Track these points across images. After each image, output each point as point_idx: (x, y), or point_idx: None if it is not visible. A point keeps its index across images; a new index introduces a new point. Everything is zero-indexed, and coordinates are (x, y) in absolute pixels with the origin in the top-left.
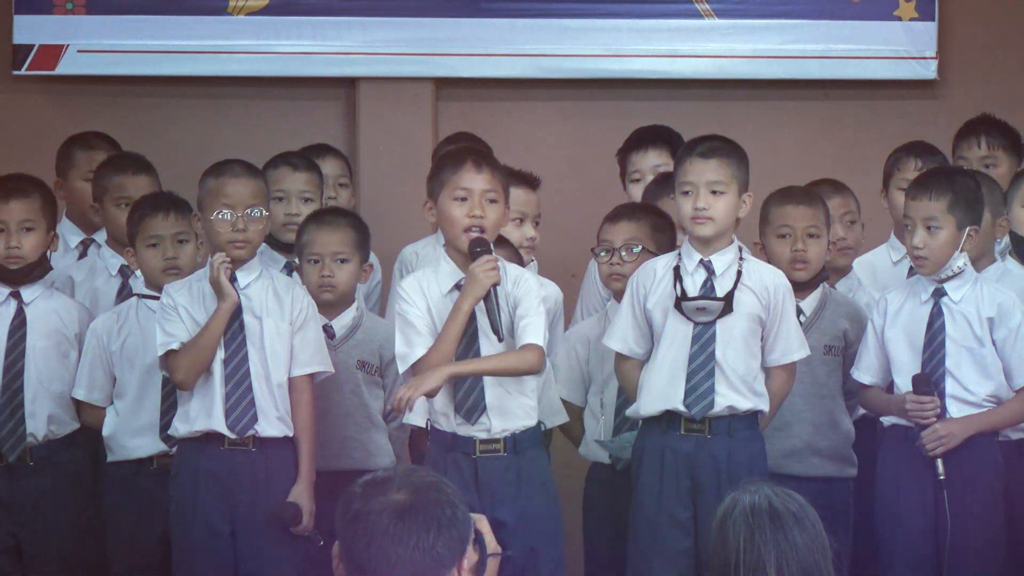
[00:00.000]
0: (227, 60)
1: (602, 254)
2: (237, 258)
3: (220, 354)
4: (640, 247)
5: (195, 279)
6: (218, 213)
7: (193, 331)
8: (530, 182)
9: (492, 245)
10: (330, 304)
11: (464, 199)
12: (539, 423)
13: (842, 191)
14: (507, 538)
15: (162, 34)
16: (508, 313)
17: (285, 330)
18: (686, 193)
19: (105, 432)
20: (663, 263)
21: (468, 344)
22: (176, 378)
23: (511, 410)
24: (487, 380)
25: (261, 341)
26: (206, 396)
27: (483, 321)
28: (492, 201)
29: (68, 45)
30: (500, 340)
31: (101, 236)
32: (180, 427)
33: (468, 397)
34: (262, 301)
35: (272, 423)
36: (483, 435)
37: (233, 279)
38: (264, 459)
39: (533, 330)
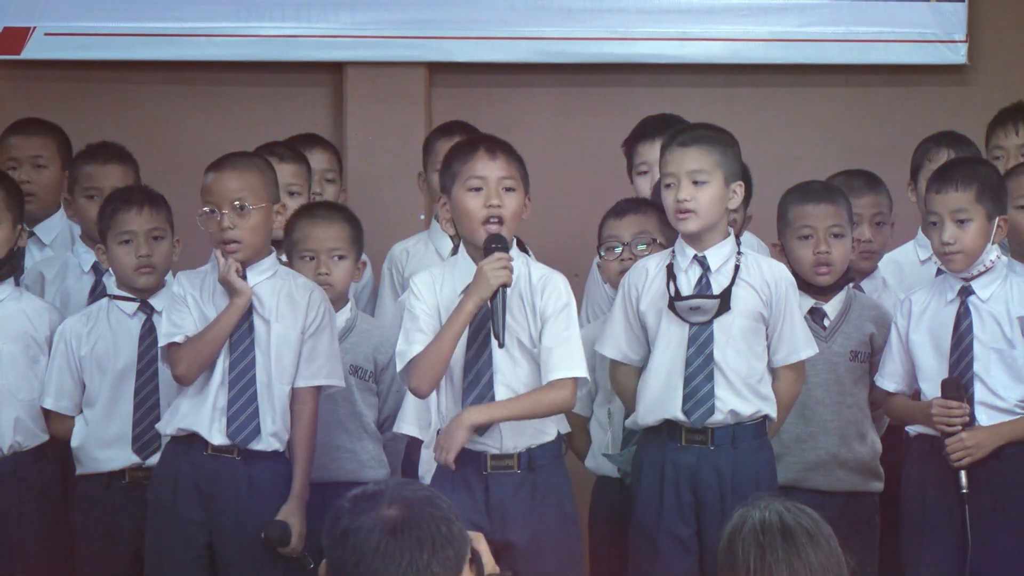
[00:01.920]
0: (206, 43)
1: (613, 250)
2: (233, 256)
3: (224, 356)
4: (651, 240)
5: (209, 270)
6: (205, 213)
7: (200, 325)
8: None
9: (511, 242)
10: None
11: (479, 189)
12: (559, 435)
13: (875, 188)
14: (518, 562)
15: (136, 15)
16: (529, 322)
17: (295, 337)
18: (668, 186)
19: (74, 443)
20: (655, 261)
21: (478, 350)
22: (177, 371)
23: (525, 425)
24: (499, 390)
25: (268, 346)
26: (199, 396)
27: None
28: (509, 189)
29: (35, 27)
30: (501, 346)
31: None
32: (167, 424)
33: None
34: (273, 304)
35: (264, 437)
36: (495, 450)
37: (243, 277)
38: (248, 469)
39: (563, 359)
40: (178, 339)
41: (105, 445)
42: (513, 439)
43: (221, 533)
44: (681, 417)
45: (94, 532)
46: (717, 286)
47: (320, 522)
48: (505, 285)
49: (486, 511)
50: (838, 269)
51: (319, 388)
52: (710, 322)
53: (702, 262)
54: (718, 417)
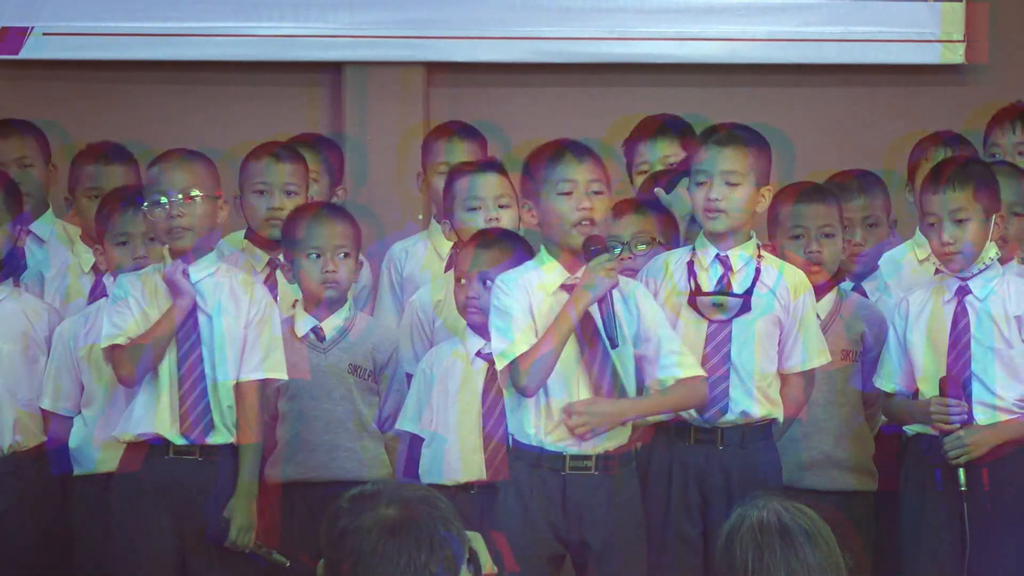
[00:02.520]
0: (204, 43)
1: (612, 250)
2: (176, 248)
3: (171, 355)
4: (651, 240)
5: (149, 271)
6: (152, 204)
7: (143, 325)
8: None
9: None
10: (332, 301)
11: (570, 193)
12: (632, 442)
13: (869, 190)
14: (591, 563)
15: (134, 15)
16: (619, 326)
17: (238, 331)
18: (700, 183)
19: (71, 443)
20: (676, 257)
21: (592, 352)
22: (121, 373)
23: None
24: (582, 391)
25: (211, 341)
26: (151, 397)
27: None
28: (597, 192)
29: (33, 27)
30: (615, 347)
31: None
32: (124, 429)
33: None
34: (215, 298)
35: (220, 431)
36: (574, 450)
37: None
38: (212, 468)
39: (685, 359)
40: (120, 341)
41: (103, 446)
42: (592, 440)
43: (190, 537)
44: (693, 414)
45: (92, 532)
46: (738, 286)
47: (319, 522)
48: (614, 286)
49: (563, 512)
50: (829, 268)
51: (262, 382)
52: (729, 321)
53: (724, 261)
54: (730, 417)
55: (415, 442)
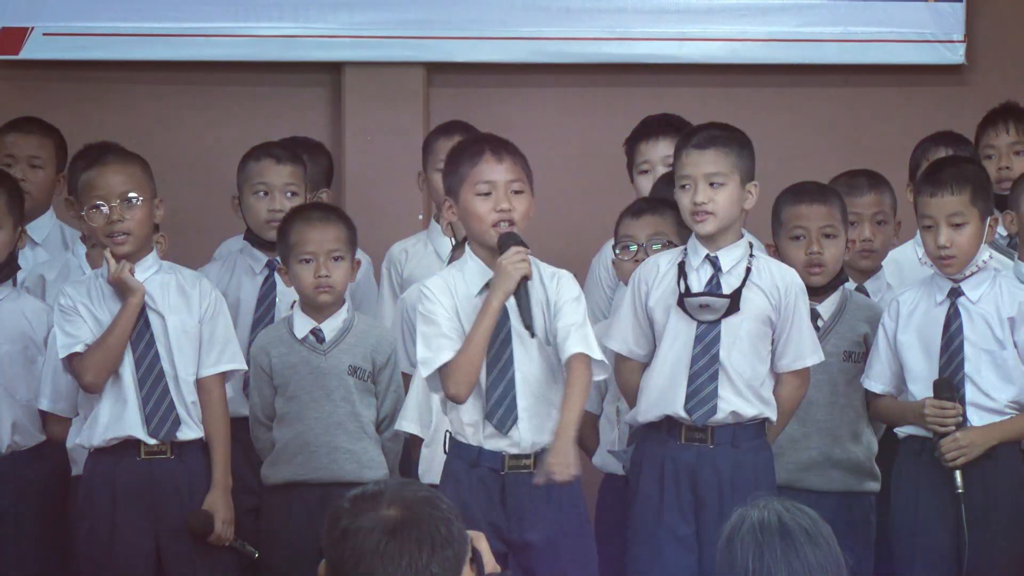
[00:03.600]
0: (203, 43)
1: (628, 249)
2: (118, 254)
3: (128, 356)
4: (667, 242)
5: (92, 277)
6: (91, 208)
7: (96, 331)
8: None
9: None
10: (327, 305)
11: (488, 193)
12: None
13: (877, 187)
14: (535, 562)
15: (134, 16)
16: (545, 316)
17: (193, 327)
18: (684, 187)
19: (69, 443)
20: (667, 259)
21: (500, 348)
22: (85, 380)
23: (543, 423)
24: (520, 388)
25: (167, 339)
26: (117, 400)
27: (516, 322)
28: (518, 192)
29: (33, 28)
30: (533, 336)
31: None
32: (91, 435)
33: (501, 404)
34: (164, 297)
35: (188, 426)
36: (513, 450)
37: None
38: (185, 466)
39: (583, 339)
40: (78, 349)
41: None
42: (532, 436)
43: (166, 536)
44: (683, 415)
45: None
46: (727, 287)
47: (321, 523)
48: (526, 277)
49: (503, 511)
50: (830, 269)
51: (223, 375)
52: (718, 322)
53: (714, 262)
54: (719, 417)
55: (414, 442)
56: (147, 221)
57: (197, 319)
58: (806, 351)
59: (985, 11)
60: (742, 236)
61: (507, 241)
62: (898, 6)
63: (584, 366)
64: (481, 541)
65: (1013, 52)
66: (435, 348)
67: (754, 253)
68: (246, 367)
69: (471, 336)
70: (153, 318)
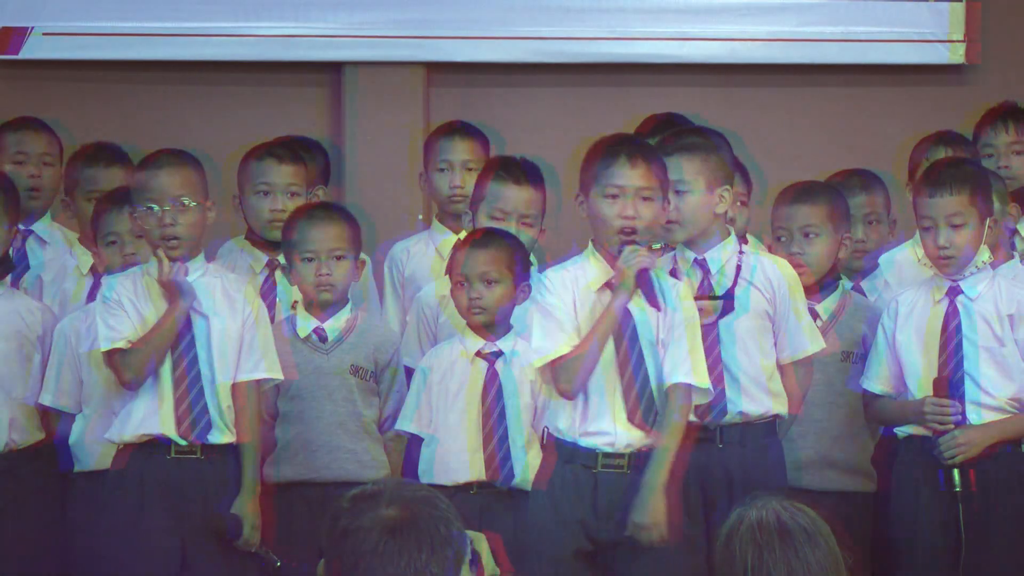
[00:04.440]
0: (203, 43)
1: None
2: (170, 257)
3: (168, 355)
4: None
5: (138, 272)
6: (143, 209)
7: (139, 326)
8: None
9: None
10: (328, 304)
11: (616, 196)
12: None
13: (869, 188)
14: (619, 563)
15: (134, 15)
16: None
17: (235, 331)
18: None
19: (72, 440)
20: (660, 263)
21: (627, 350)
22: (124, 378)
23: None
24: (616, 391)
25: (208, 342)
26: (152, 398)
27: (642, 330)
28: (646, 199)
29: (32, 27)
30: (659, 310)
31: None
32: (122, 430)
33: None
34: (209, 300)
35: (219, 430)
36: (607, 449)
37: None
38: (214, 468)
39: (686, 364)
40: (120, 344)
41: (103, 442)
42: (627, 438)
43: (191, 535)
44: (692, 418)
45: (92, 530)
46: (720, 287)
47: (320, 523)
48: (646, 268)
49: (593, 508)
50: (815, 269)
51: (258, 382)
52: (715, 324)
53: (702, 265)
54: (729, 418)
55: (414, 442)
56: (199, 224)
57: (240, 323)
58: (806, 340)
59: (986, 11)
60: (728, 235)
61: (624, 243)
62: (898, 6)
63: (684, 396)
64: (481, 542)
65: (1013, 52)
66: (552, 339)
67: (743, 250)
68: (282, 377)
69: (591, 336)
70: (196, 320)
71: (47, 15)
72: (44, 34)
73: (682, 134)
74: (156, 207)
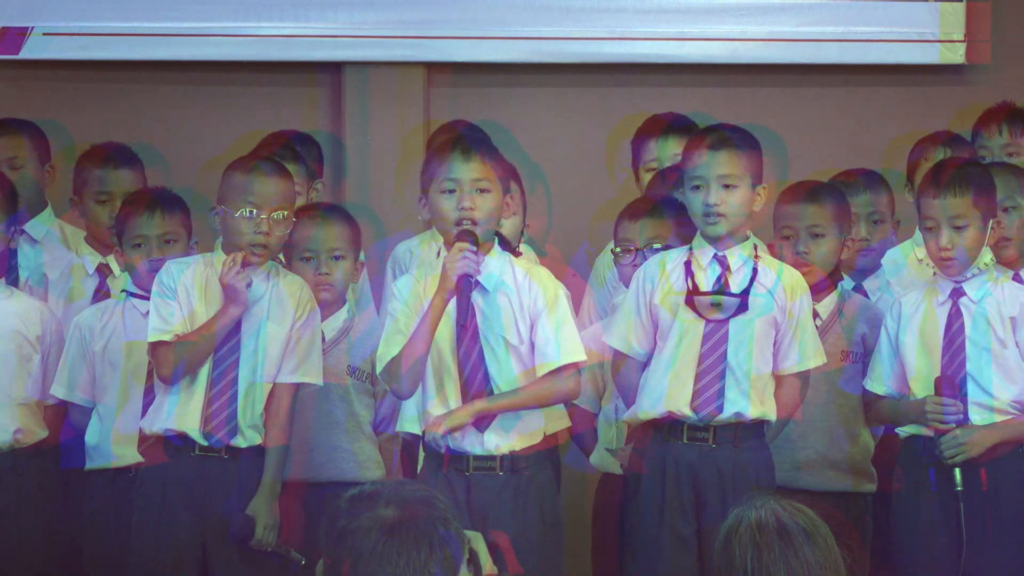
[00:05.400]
0: (204, 43)
1: (628, 251)
2: (250, 263)
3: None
4: (664, 247)
5: (198, 261)
6: (240, 210)
7: (186, 317)
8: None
9: (491, 240)
10: (326, 304)
11: (453, 191)
12: (545, 438)
13: (872, 187)
14: (497, 563)
15: (134, 15)
16: (517, 320)
17: (283, 335)
18: (696, 188)
19: (88, 438)
20: (673, 257)
21: (468, 346)
22: (163, 372)
23: (511, 425)
24: (453, 389)
25: (255, 343)
26: (186, 395)
27: (483, 325)
28: (483, 191)
29: (32, 27)
30: (463, 326)
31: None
32: (152, 421)
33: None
34: (265, 301)
35: (244, 436)
36: (478, 451)
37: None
38: (238, 467)
39: (560, 346)
40: (166, 338)
41: (118, 441)
42: (496, 440)
43: (213, 534)
44: (688, 413)
45: (105, 527)
46: (735, 286)
47: (318, 522)
48: (468, 275)
49: (468, 512)
50: (818, 269)
51: (296, 386)
52: (726, 321)
53: (722, 261)
54: (724, 417)
55: (413, 443)
56: (284, 238)
57: (289, 327)
58: (809, 354)
59: (986, 11)
60: (748, 237)
61: (461, 239)
62: (898, 6)
63: (564, 377)
64: (479, 542)
65: (1013, 52)
66: (388, 345)
67: (759, 254)
68: (320, 383)
69: (415, 336)
70: (248, 321)
71: (47, 15)
72: (44, 34)
73: (725, 129)
74: (255, 211)
